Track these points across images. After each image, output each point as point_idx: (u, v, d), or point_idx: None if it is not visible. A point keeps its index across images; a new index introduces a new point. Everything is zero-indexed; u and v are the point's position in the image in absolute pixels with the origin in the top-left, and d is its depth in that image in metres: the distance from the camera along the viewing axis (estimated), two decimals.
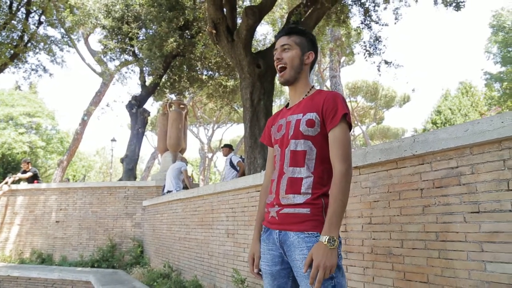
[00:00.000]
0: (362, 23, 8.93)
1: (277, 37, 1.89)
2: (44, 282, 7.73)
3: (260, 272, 1.83)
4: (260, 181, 3.80)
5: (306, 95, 1.82)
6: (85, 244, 8.82)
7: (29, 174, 10.80)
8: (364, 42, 9.43)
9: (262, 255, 1.79)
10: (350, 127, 1.70)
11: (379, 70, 9.41)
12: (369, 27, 8.91)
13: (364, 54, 9.32)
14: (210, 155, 35.73)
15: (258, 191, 3.92)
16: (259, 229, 1.90)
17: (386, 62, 9.35)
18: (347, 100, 31.07)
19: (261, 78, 6.90)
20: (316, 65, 24.08)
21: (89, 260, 8.45)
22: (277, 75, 1.88)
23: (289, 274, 1.71)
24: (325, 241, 1.48)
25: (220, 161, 44.02)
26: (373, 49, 9.22)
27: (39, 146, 31.25)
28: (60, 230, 9.12)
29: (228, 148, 9.12)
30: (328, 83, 23.33)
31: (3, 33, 14.22)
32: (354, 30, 9.51)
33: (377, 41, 9.13)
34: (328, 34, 13.69)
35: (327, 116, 1.67)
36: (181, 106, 9.72)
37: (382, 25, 8.84)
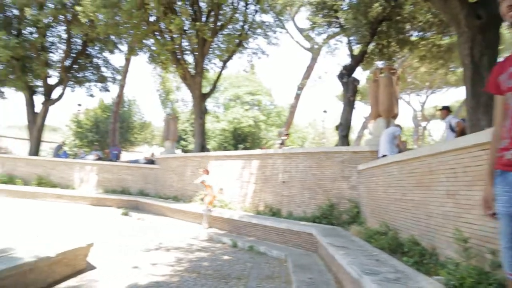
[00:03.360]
0: None
1: None
2: (276, 230, 9.20)
3: (495, 215, 1.91)
4: (484, 139, 3.61)
5: None
6: (307, 203, 9.99)
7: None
8: None
9: (498, 197, 1.86)
10: None
11: None
12: None
13: None
14: (424, 123, 33.45)
15: (483, 149, 3.73)
16: (492, 174, 1.95)
17: None
18: None
19: (482, 30, 6.18)
20: None
21: (311, 216, 9.55)
22: (505, 23, 1.86)
23: None
24: None
25: (436, 130, 40.52)
26: None
27: (260, 120, 35.76)
28: (285, 189, 10.57)
29: (445, 110, 8.58)
30: None
31: (230, 26, 16.93)
32: None
33: None
34: None
35: None
36: (391, 71, 9.59)
37: None
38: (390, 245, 5.61)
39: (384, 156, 7.61)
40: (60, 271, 5.80)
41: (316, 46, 22.94)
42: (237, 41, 16.43)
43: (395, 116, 9.22)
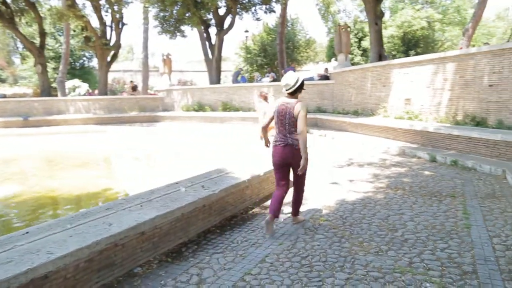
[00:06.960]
0: None
1: None
2: (485, 142, 7.81)
3: None
4: None
5: None
6: None
7: None
8: None
9: None
10: None
11: None
12: None
13: None
14: None
15: None
16: None
17: None
18: None
19: None
20: None
21: None
22: None
23: None
24: None
25: None
26: None
27: (435, 19, 31.21)
28: (494, 94, 8.77)
29: None
30: None
31: None
32: None
33: None
34: None
35: None
36: None
37: None
38: None
39: None
40: (267, 188, 6.12)
41: None
42: None
43: None
